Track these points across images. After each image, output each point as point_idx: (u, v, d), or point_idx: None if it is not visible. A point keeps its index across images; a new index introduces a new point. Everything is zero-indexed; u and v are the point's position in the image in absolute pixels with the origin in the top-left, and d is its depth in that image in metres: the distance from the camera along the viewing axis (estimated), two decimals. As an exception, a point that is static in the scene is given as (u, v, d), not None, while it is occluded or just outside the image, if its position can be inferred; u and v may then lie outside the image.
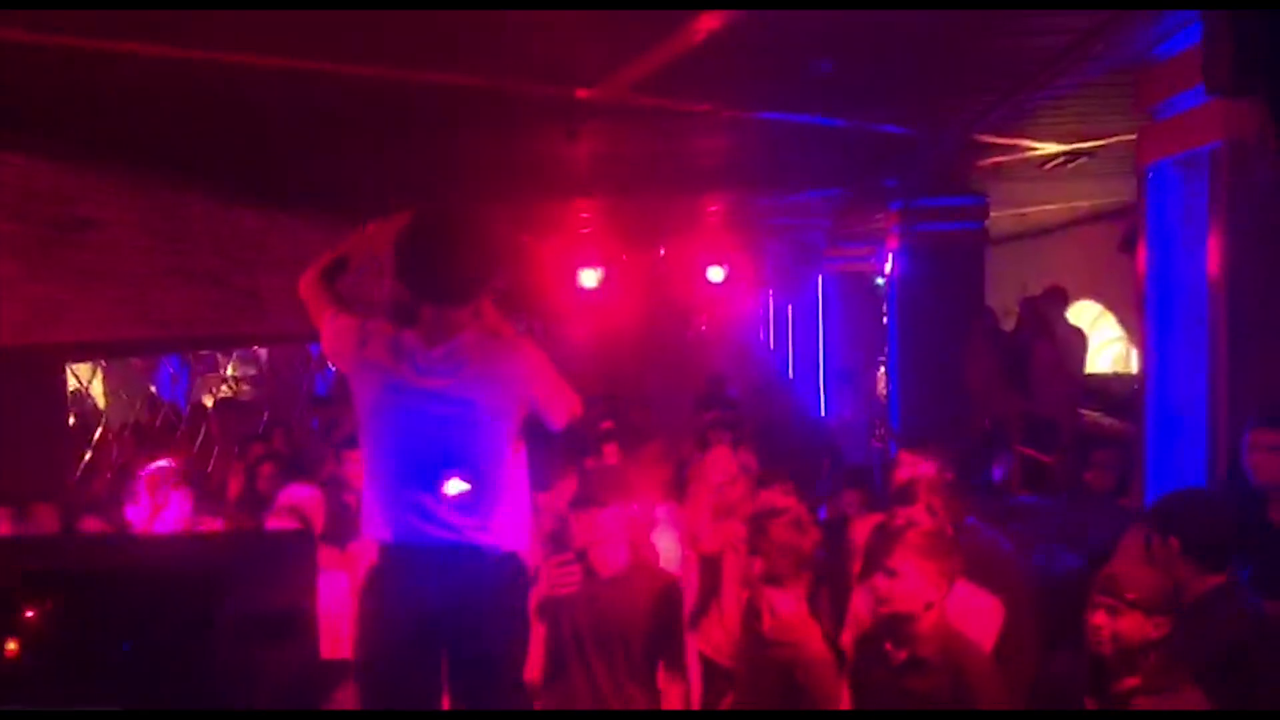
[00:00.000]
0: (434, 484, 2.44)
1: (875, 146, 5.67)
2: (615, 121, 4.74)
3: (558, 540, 3.29)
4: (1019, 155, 5.95)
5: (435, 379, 2.46)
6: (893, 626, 2.57)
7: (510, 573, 2.52)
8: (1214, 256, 3.18)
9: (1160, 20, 3.22)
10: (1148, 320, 3.78)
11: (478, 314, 2.56)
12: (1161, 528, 2.67)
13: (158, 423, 7.69)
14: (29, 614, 1.52)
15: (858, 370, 11.81)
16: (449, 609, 2.44)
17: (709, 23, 3.14)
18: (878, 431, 9.21)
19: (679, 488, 4.99)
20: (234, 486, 5.76)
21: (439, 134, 5.02)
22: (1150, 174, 3.62)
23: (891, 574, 2.52)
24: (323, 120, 4.65)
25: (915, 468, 3.37)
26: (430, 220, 2.53)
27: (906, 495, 3.05)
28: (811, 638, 2.85)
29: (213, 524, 3.15)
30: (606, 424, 5.62)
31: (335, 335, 2.62)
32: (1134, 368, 9.17)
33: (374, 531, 2.53)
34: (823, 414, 12.28)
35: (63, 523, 4.10)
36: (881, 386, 11.49)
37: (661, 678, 3.19)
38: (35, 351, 4.96)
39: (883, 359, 12.29)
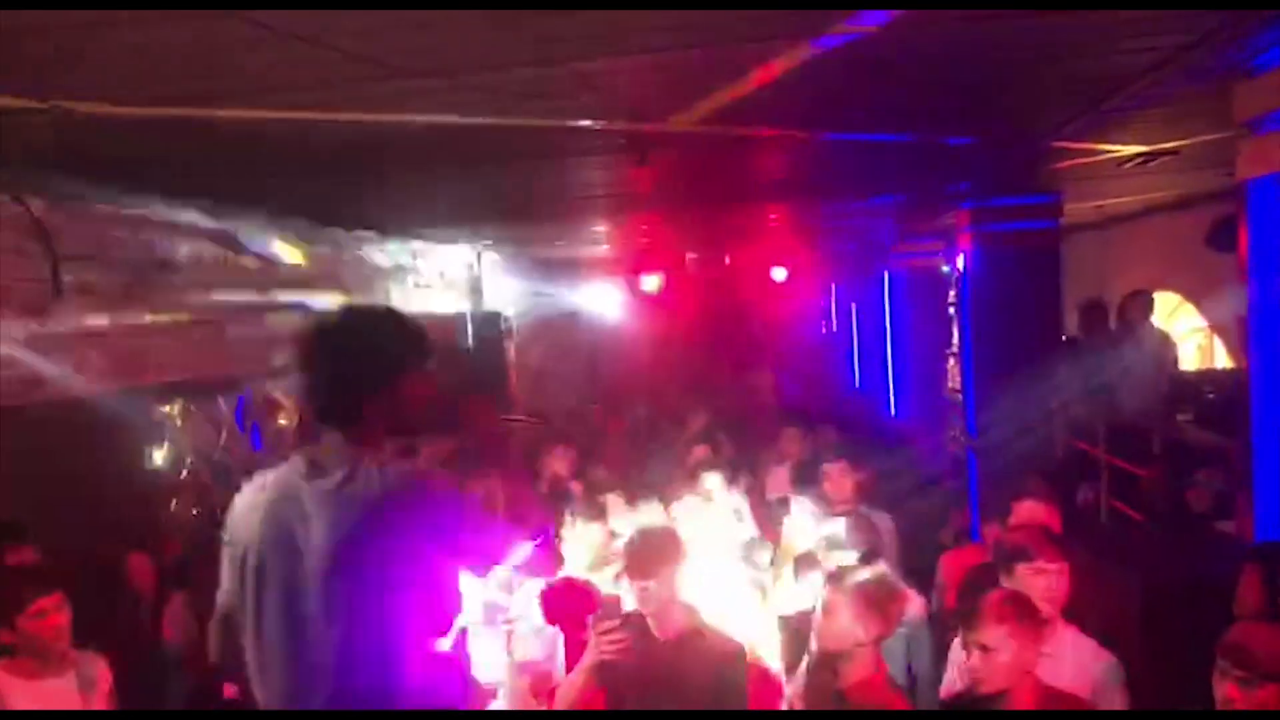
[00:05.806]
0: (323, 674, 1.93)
1: (945, 155, 5.53)
2: (682, 147, 4.71)
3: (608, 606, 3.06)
4: (1096, 158, 5.74)
5: (320, 524, 1.94)
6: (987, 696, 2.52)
7: None
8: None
9: (1258, 35, 3.06)
10: (1252, 339, 3.60)
11: (380, 436, 2.07)
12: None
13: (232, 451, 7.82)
14: None
15: (928, 368, 11.53)
16: None
17: (778, 67, 3.07)
18: (952, 433, 8.97)
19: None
20: None
21: (514, 166, 5.03)
22: (1252, 190, 3.45)
23: (985, 650, 2.48)
24: (405, 159, 4.70)
25: (1031, 513, 3.26)
26: (320, 322, 2.12)
27: (1023, 553, 2.92)
28: None
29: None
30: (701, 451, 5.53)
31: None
32: (1219, 362, 8.83)
33: None
34: (893, 413, 12.05)
35: (157, 574, 4.21)
36: (952, 382, 11.20)
37: None
38: (120, 397, 5.09)
39: (951, 351, 12.00)
